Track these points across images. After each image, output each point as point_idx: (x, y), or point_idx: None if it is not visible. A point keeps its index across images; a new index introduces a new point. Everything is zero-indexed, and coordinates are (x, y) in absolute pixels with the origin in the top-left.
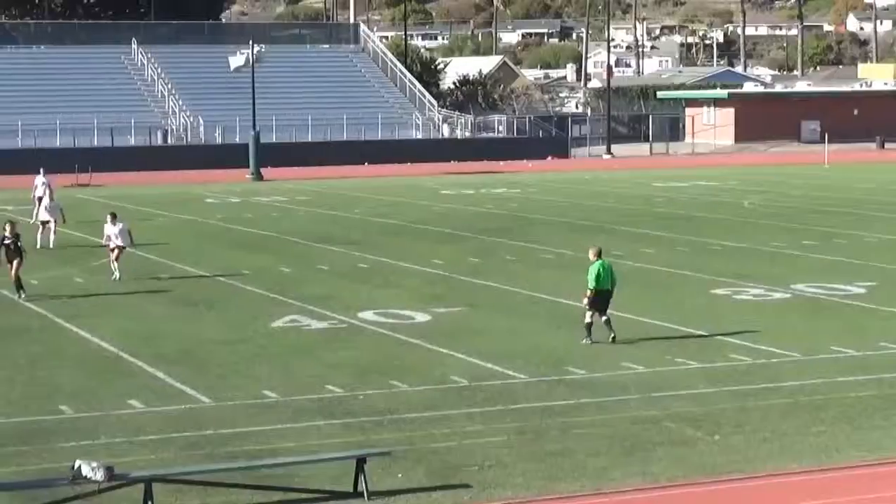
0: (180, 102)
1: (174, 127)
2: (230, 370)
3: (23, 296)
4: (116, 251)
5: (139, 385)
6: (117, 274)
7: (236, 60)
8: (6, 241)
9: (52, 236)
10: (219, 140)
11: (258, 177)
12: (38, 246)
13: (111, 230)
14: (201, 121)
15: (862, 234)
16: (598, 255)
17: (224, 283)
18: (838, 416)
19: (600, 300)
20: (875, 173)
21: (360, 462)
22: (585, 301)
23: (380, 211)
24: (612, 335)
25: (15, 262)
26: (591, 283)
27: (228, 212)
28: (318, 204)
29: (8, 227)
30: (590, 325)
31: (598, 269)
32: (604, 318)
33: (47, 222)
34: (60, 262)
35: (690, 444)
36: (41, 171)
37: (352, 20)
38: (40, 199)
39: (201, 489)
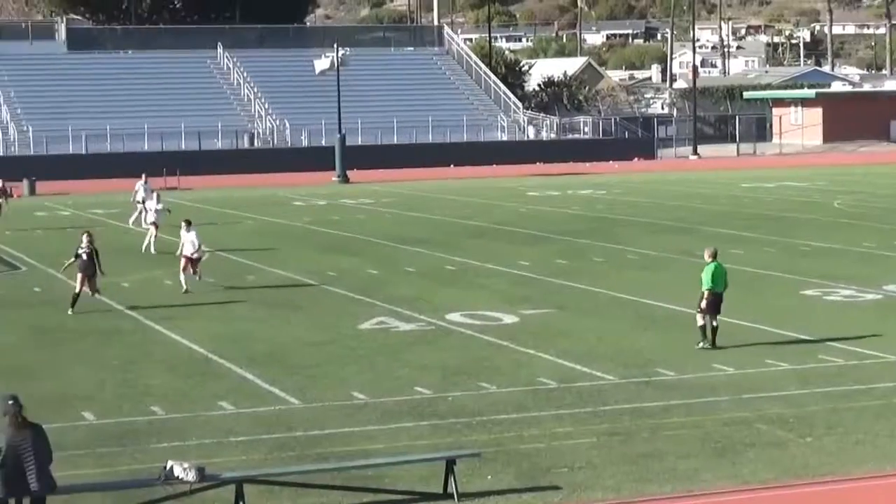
0: (266, 106)
1: (260, 130)
2: (319, 372)
3: (69, 312)
4: (184, 261)
5: (229, 386)
6: (185, 284)
7: (321, 64)
8: (80, 252)
9: (152, 241)
10: (305, 143)
11: (344, 179)
12: (143, 251)
13: (186, 238)
14: (287, 124)
15: None
16: (714, 256)
17: (311, 286)
18: None
19: (714, 302)
20: None
21: (450, 463)
22: (703, 304)
23: (465, 213)
24: (711, 341)
25: (84, 278)
26: (707, 284)
27: (315, 214)
28: (403, 206)
29: (85, 238)
30: (703, 328)
31: (714, 271)
32: (714, 322)
33: (155, 225)
34: (149, 264)
35: (782, 445)
36: (143, 175)
37: (436, 22)
38: (141, 202)
39: (292, 490)
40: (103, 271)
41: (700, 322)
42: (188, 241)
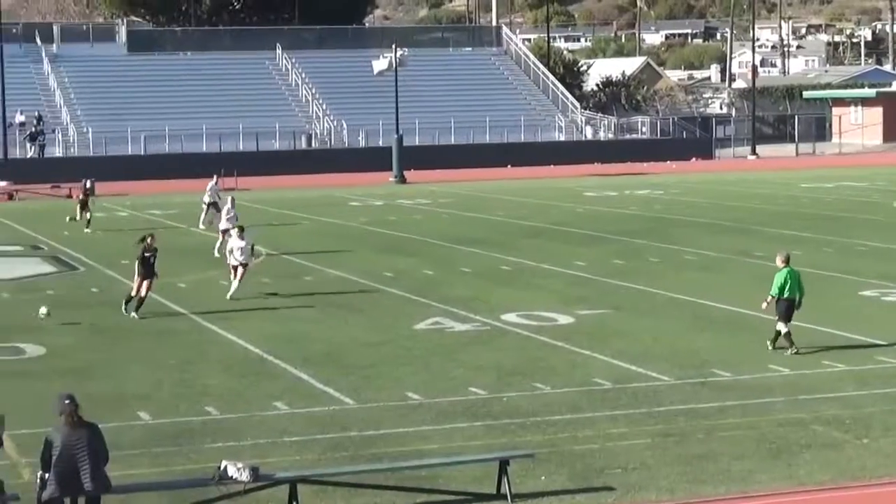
0: (324, 107)
1: (318, 131)
2: (374, 372)
3: (133, 315)
4: (240, 269)
5: (284, 387)
6: (232, 291)
7: (379, 64)
8: (146, 254)
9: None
10: (362, 143)
11: (401, 180)
12: (216, 254)
13: (237, 244)
14: (345, 125)
15: None
16: (787, 261)
17: (367, 286)
18: None
19: (786, 309)
20: None
21: (504, 464)
22: (764, 306)
23: (522, 213)
24: (777, 345)
25: (146, 282)
26: (774, 291)
27: (372, 215)
28: (460, 206)
29: (149, 240)
30: (787, 334)
31: (785, 277)
32: (785, 328)
33: (227, 231)
34: (205, 265)
35: (838, 447)
36: (214, 176)
37: (494, 23)
38: (211, 204)
39: (345, 490)
40: (157, 274)
41: (783, 329)
42: (237, 248)
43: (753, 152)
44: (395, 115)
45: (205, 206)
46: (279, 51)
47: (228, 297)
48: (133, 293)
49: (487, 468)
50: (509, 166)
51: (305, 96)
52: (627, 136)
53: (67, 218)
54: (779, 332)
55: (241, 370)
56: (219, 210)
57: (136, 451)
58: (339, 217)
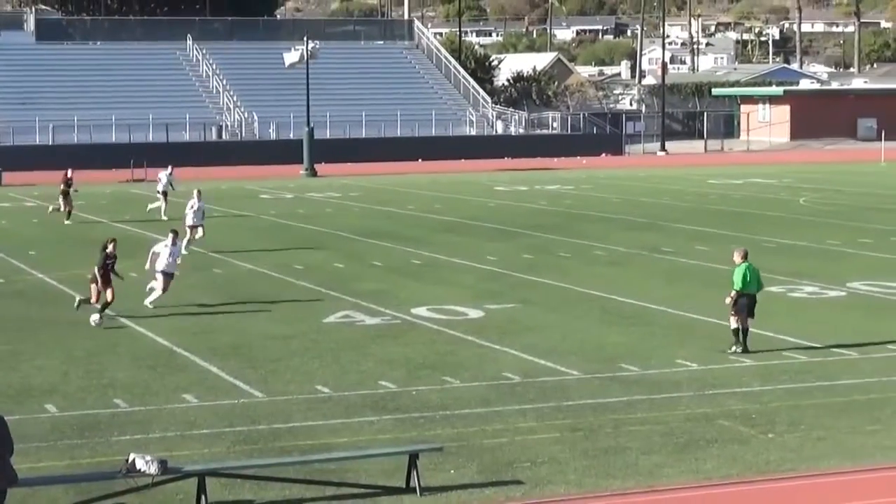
0: (235, 98)
1: (228, 123)
2: (283, 365)
3: (95, 318)
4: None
5: (192, 379)
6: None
7: (291, 57)
8: (108, 261)
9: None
10: (273, 136)
11: (312, 173)
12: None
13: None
14: (256, 117)
15: None
16: (745, 257)
17: (277, 279)
18: (894, 415)
19: (747, 304)
20: None
21: (413, 458)
22: (728, 301)
23: (433, 207)
24: (743, 347)
25: (110, 289)
26: (738, 285)
27: (282, 208)
28: (371, 200)
29: (111, 247)
30: (737, 331)
31: (746, 272)
32: (747, 325)
33: (196, 227)
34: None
35: (744, 441)
36: (169, 167)
37: (406, 16)
38: (164, 193)
39: (254, 484)
40: (122, 276)
41: (733, 325)
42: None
43: (663, 148)
44: (307, 108)
45: (161, 196)
46: (190, 42)
47: (147, 302)
48: (94, 300)
49: (397, 461)
50: (420, 160)
51: (216, 88)
52: (538, 132)
53: (49, 209)
54: (738, 331)
55: (149, 362)
56: (167, 200)
57: (43, 443)
58: (250, 210)
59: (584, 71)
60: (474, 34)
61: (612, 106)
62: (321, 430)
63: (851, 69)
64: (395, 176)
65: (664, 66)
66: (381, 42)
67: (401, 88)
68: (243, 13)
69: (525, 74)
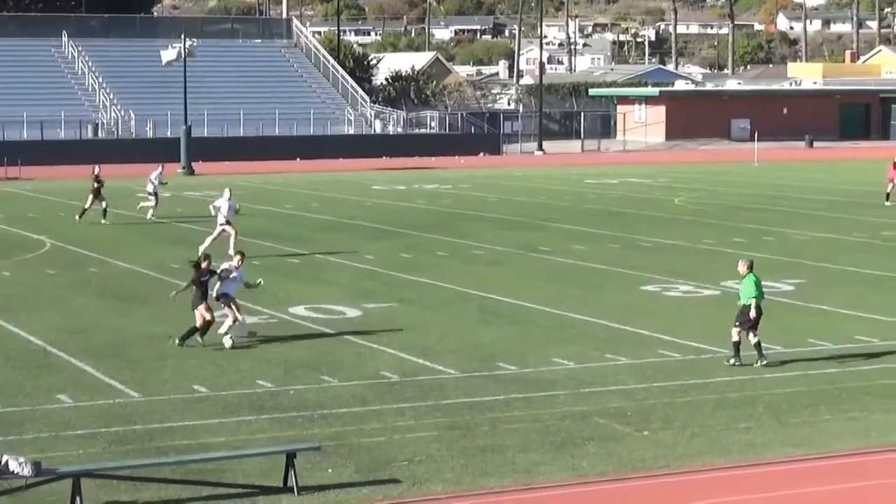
0: (111, 96)
1: (105, 121)
2: (160, 364)
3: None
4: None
5: (67, 380)
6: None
7: (168, 54)
8: (202, 278)
9: (231, 241)
10: (150, 134)
11: (189, 171)
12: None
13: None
14: (132, 115)
15: (790, 232)
16: (750, 267)
17: (154, 278)
18: (766, 412)
19: (758, 316)
20: (804, 171)
21: (290, 457)
22: (743, 318)
23: (311, 206)
24: (764, 360)
25: (204, 305)
26: (755, 293)
27: (159, 206)
28: (249, 199)
29: (205, 263)
30: (738, 344)
31: (755, 282)
32: (755, 338)
33: (229, 223)
34: None
35: (620, 439)
36: (160, 166)
37: (284, 15)
38: (155, 194)
39: (130, 484)
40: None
41: (735, 338)
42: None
43: (540, 148)
44: (184, 106)
45: (152, 197)
46: (65, 38)
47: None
48: (198, 323)
49: (274, 461)
50: (298, 159)
51: (92, 85)
52: (416, 131)
53: (78, 215)
54: (739, 343)
55: (22, 362)
56: (156, 197)
57: None
58: (126, 208)
59: (463, 70)
60: (353, 33)
61: (489, 105)
62: (198, 430)
63: (725, 70)
64: (274, 175)
65: (542, 66)
66: (260, 40)
67: (279, 87)
68: (120, 10)
69: (403, 74)
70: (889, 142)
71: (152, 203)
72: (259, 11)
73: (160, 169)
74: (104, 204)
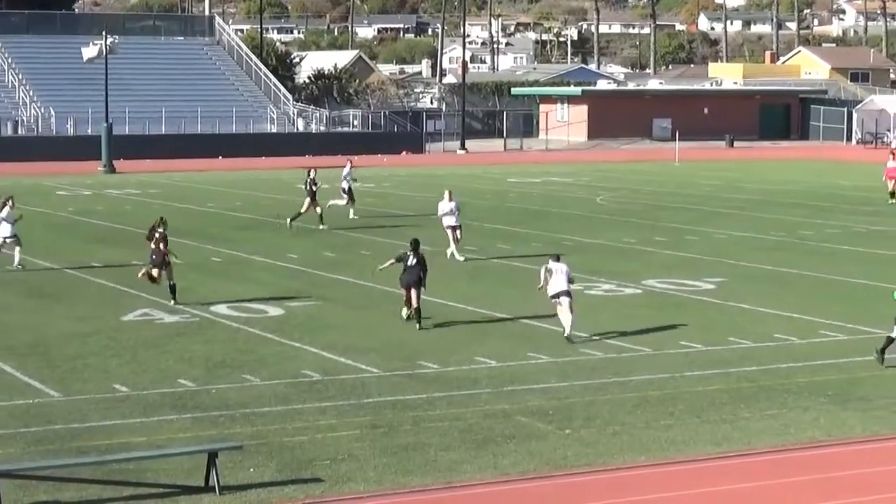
0: (31, 93)
1: (24, 118)
2: (80, 363)
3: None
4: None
5: None
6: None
7: (89, 51)
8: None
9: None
10: (70, 132)
11: (110, 169)
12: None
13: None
14: (53, 112)
15: (711, 231)
16: None
17: (75, 276)
18: (687, 410)
19: None
20: (724, 171)
21: (212, 456)
22: None
23: (234, 205)
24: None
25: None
26: None
27: (80, 204)
28: (171, 197)
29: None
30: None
31: None
32: None
33: (456, 228)
34: None
35: (541, 437)
36: (349, 163)
37: (207, 12)
38: (348, 190)
39: (50, 485)
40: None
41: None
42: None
43: (463, 147)
44: (105, 104)
45: (345, 195)
46: None
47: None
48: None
49: (196, 460)
50: (221, 157)
51: (12, 82)
52: (339, 129)
53: (290, 220)
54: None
55: None
56: (352, 196)
57: None
58: (47, 206)
59: (386, 69)
60: (276, 31)
61: (412, 104)
62: (119, 430)
63: (647, 70)
64: (196, 173)
65: (464, 65)
66: (182, 38)
67: (201, 85)
68: (41, 6)
69: (326, 72)
70: (808, 142)
71: (344, 201)
72: (181, 9)
73: (349, 165)
74: (320, 209)
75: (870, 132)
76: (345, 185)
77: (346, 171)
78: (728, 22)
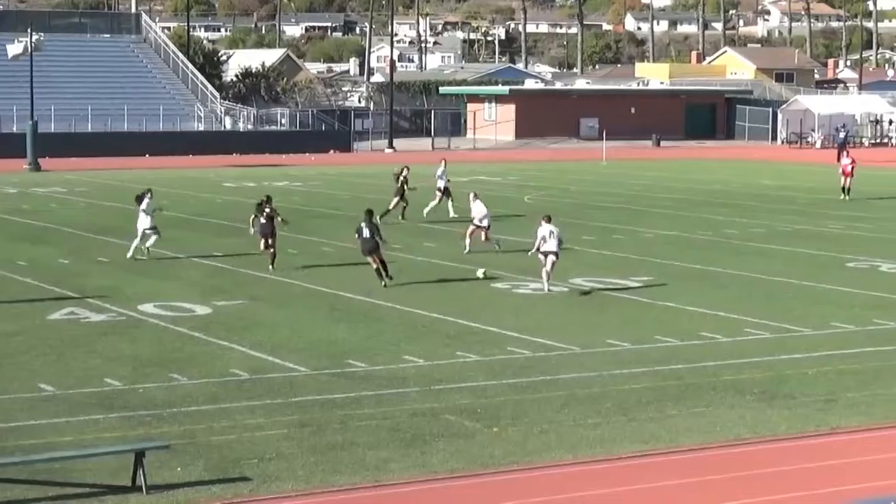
0: None
1: None
2: (5, 363)
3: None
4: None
5: None
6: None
7: (14, 48)
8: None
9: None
10: None
11: (36, 167)
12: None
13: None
14: None
15: (638, 230)
16: None
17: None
18: (614, 408)
19: None
20: (651, 170)
21: (139, 456)
22: None
23: (161, 203)
24: None
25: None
26: None
27: (5, 203)
28: (98, 196)
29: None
30: None
31: None
32: None
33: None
34: None
35: (469, 436)
36: (443, 161)
37: (133, 10)
38: (444, 189)
39: None
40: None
41: None
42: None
43: (391, 146)
44: (31, 101)
45: (438, 192)
46: None
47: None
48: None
49: (123, 460)
50: (148, 155)
51: None
52: (267, 128)
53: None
54: None
55: None
56: (450, 195)
57: None
58: None
59: (314, 67)
60: (203, 29)
61: (340, 103)
62: (45, 429)
63: (574, 70)
64: (123, 171)
65: (392, 63)
66: (108, 35)
67: (128, 83)
68: None
69: (254, 70)
70: (734, 141)
71: (437, 201)
72: (108, 6)
73: (444, 164)
74: (405, 204)
75: (794, 132)
76: (441, 183)
77: (440, 169)
78: (655, 22)
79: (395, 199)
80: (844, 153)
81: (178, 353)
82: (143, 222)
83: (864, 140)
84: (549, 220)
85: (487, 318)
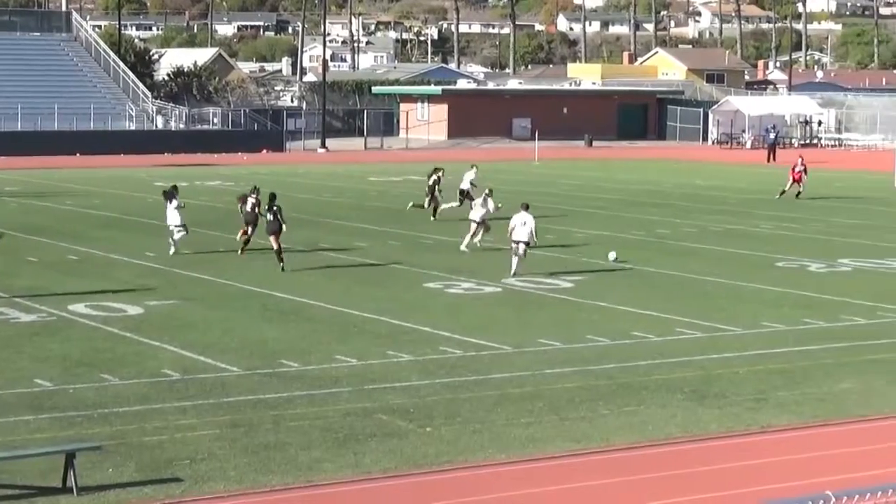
0: None
1: None
2: None
3: None
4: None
5: None
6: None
7: None
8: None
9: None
10: None
11: None
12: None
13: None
14: None
15: (570, 230)
16: None
17: None
18: (546, 408)
19: None
20: (583, 170)
21: (70, 457)
22: None
23: (91, 202)
24: None
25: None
26: None
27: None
28: (27, 195)
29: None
30: None
31: None
32: None
33: (480, 224)
34: None
35: (402, 435)
36: (474, 168)
37: (63, 8)
38: (465, 192)
39: None
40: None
41: None
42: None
43: (323, 145)
44: None
45: (461, 196)
46: None
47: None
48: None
49: (53, 461)
50: (78, 154)
51: None
52: (199, 127)
53: (410, 204)
54: None
55: None
56: (471, 198)
57: None
58: None
59: (246, 67)
60: (134, 28)
61: (273, 103)
62: None
63: (507, 70)
64: (53, 170)
65: (325, 63)
66: (38, 33)
67: (58, 81)
68: None
69: (186, 69)
70: (665, 142)
71: (458, 204)
72: (38, 4)
73: (474, 170)
74: (434, 203)
75: (725, 133)
76: (465, 186)
77: (472, 176)
78: (587, 23)
79: (427, 199)
80: (800, 159)
81: (109, 354)
82: (174, 219)
83: (793, 141)
84: (526, 209)
85: (420, 317)
